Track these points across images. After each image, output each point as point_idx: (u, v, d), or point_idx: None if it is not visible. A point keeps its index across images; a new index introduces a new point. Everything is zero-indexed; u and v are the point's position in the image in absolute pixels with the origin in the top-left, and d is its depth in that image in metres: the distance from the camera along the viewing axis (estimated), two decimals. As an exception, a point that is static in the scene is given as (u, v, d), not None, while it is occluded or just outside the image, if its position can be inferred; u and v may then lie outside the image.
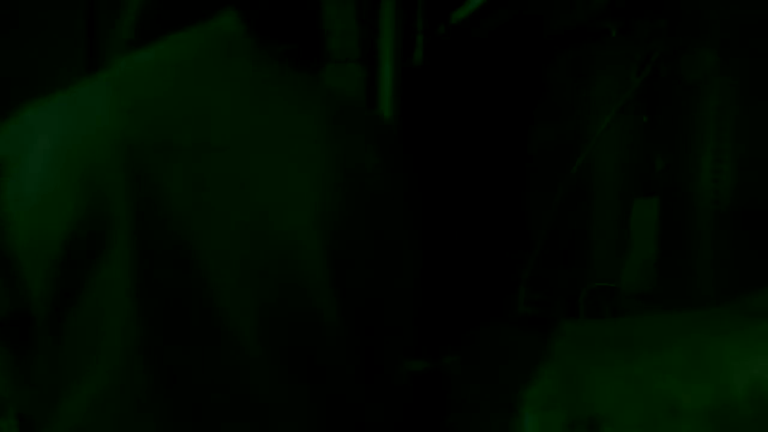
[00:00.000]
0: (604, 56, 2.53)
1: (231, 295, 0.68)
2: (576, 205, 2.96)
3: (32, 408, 0.71)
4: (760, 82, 1.93)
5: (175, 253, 0.67)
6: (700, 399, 0.90)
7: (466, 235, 3.25)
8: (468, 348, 1.25)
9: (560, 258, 3.14)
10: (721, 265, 2.44)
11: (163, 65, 0.74)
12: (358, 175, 0.74)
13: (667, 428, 0.92)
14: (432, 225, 3.24)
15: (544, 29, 2.71)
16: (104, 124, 0.70)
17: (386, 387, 0.82)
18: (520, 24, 2.64)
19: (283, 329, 0.70)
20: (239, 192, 0.70)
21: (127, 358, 0.64)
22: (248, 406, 0.67)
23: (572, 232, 3.06)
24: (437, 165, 2.90)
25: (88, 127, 0.69)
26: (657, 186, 2.61)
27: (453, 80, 2.82)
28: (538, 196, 3.15)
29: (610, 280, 3.02)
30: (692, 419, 0.89)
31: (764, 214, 2.32)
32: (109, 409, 0.64)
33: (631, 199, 2.78)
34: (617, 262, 2.95)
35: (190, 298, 0.68)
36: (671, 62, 2.18)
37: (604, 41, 2.50)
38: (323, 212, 0.71)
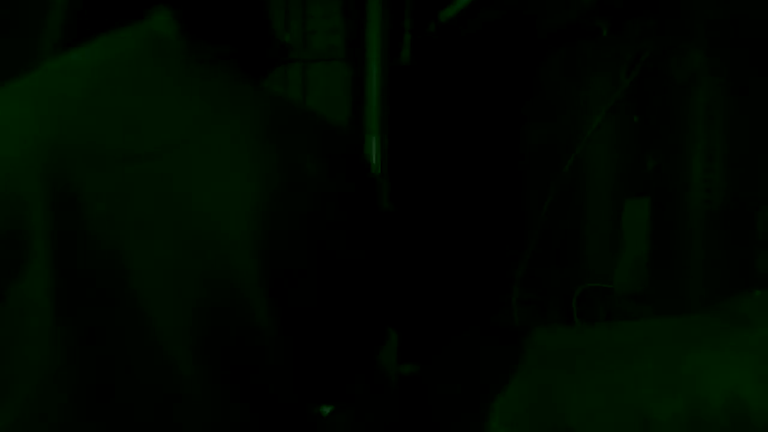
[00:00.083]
0: (595, 56, 2.51)
1: (163, 310, 0.65)
2: (568, 205, 2.94)
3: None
4: (748, 82, 1.91)
5: (101, 269, 0.64)
6: (673, 410, 0.88)
7: (457, 235, 3.23)
8: (442, 357, 1.24)
9: (553, 257, 3.12)
10: (713, 265, 2.43)
11: (90, 68, 0.71)
12: (294, 184, 0.69)
13: (640, 440, 0.90)
14: (423, 226, 3.23)
15: (534, 28, 2.68)
16: (22, 132, 0.66)
17: (332, 403, 0.79)
18: (509, 23, 2.62)
19: (218, 346, 0.67)
20: (169, 202, 0.66)
21: (44, 387, 0.62)
22: (181, 427, 0.65)
23: (565, 232, 3.05)
24: (427, 165, 2.88)
25: (4, 135, 0.66)
26: (648, 186, 2.60)
27: (442, 79, 2.80)
28: (531, 196, 3.14)
29: (603, 279, 3.00)
30: (665, 430, 0.87)
31: (756, 212, 2.31)
32: None
33: (623, 198, 2.76)
34: (610, 262, 2.93)
35: (117, 316, 0.65)
36: (661, 62, 2.16)
37: (594, 40, 2.48)
38: (258, 223, 0.67)
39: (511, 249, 3.20)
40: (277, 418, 0.69)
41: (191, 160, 0.67)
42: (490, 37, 2.70)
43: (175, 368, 0.65)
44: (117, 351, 0.65)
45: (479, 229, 3.26)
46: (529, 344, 1.10)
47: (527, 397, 0.98)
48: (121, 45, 0.73)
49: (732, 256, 2.42)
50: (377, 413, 2.09)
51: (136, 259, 0.65)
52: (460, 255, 3.23)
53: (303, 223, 0.70)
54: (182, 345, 0.66)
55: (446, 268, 3.20)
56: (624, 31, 2.35)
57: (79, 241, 0.64)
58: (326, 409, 2.08)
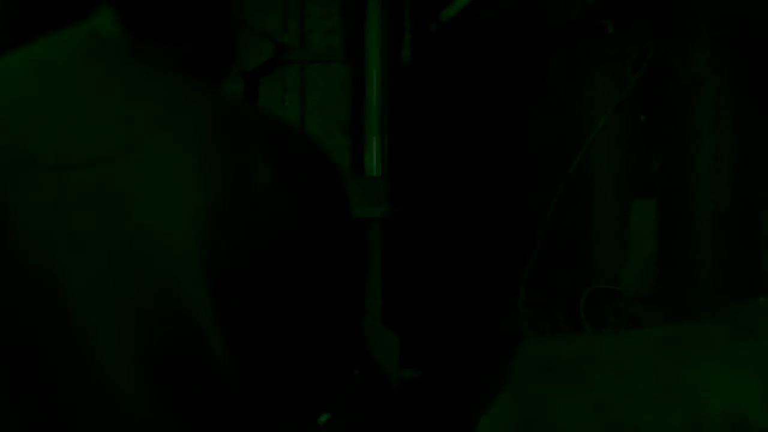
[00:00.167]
0: (600, 54, 2.47)
1: (102, 330, 0.61)
2: (575, 206, 2.91)
3: None
4: (754, 81, 1.87)
5: (30, 287, 0.61)
6: (670, 427, 0.84)
7: (462, 237, 3.20)
8: (435, 368, 1.21)
9: (560, 258, 3.09)
10: (720, 266, 2.39)
11: (25, 70, 0.67)
12: (244, 191, 0.64)
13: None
14: (427, 227, 3.20)
15: (538, 26, 2.65)
16: None
17: (291, 424, 0.75)
18: (512, 21, 2.58)
19: (163, 366, 0.63)
20: (107, 213, 0.62)
21: None
22: None
23: (571, 233, 3.01)
24: (430, 167, 2.85)
25: None
26: (655, 185, 2.56)
27: (444, 79, 2.77)
28: (537, 196, 3.11)
29: (611, 280, 2.96)
30: (661, 447, 0.84)
31: (763, 212, 2.27)
32: None
33: (630, 198, 2.73)
34: (617, 263, 2.89)
35: (50, 336, 0.62)
36: (666, 60, 2.13)
37: (599, 39, 2.44)
38: (204, 234, 0.62)
39: (518, 250, 3.16)
40: None
41: (131, 168, 0.63)
42: (492, 37, 2.66)
43: (116, 389, 0.62)
44: (53, 373, 0.62)
45: (484, 231, 3.23)
46: (523, 355, 1.06)
47: (518, 411, 0.94)
48: (60, 46, 0.69)
49: (739, 256, 2.38)
50: (376, 421, 2.06)
51: (70, 276, 0.61)
52: (465, 257, 3.20)
53: (254, 232, 0.65)
54: (123, 366, 0.62)
55: (451, 270, 3.16)
56: (629, 29, 2.31)
57: (7, 254, 0.60)
58: (323, 418, 2.06)
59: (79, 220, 0.62)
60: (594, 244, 3.00)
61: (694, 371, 0.91)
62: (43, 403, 0.62)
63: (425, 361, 2.68)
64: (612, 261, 2.92)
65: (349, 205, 0.75)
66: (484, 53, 2.77)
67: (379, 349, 2.29)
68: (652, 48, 2.14)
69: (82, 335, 0.62)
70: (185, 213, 0.62)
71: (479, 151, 3.02)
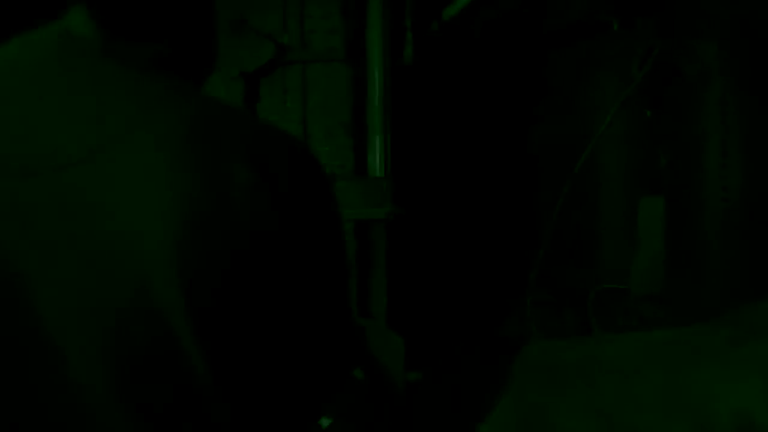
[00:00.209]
0: (605, 51, 2.44)
1: (73, 339, 0.60)
2: (581, 204, 2.89)
3: None
4: (761, 76, 1.84)
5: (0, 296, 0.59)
6: (677, 433, 0.82)
7: (468, 237, 3.17)
8: (437, 372, 1.19)
9: (567, 258, 3.06)
10: (731, 264, 2.36)
11: None
12: (220, 193, 0.62)
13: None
14: (433, 228, 3.18)
15: (542, 24, 2.62)
16: None
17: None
18: (516, 19, 2.56)
19: (137, 375, 0.61)
20: (77, 219, 0.60)
21: None
22: None
23: (578, 232, 2.99)
24: (434, 166, 2.83)
25: None
26: (662, 183, 2.53)
27: (447, 78, 2.74)
28: (543, 195, 3.08)
29: (619, 279, 2.93)
30: (668, 457, 0.81)
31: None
32: None
33: (637, 196, 2.70)
34: (625, 261, 2.86)
35: (22, 347, 0.60)
36: (672, 57, 2.10)
37: (604, 36, 2.41)
38: (178, 239, 0.60)
39: (524, 250, 3.14)
40: None
41: (102, 172, 0.61)
42: (495, 35, 2.64)
43: (86, 395, 0.60)
44: (21, 379, 0.60)
45: (490, 231, 3.21)
46: (526, 359, 1.04)
47: (519, 419, 0.92)
48: (31, 46, 0.66)
49: (749, 254, 2.35)
50: (381, 424, 2.03)
51: (39, 283, 0.59)
52: (470, 258, 3.17)
53: (231, 233, 0.62)
54: (95, 375, 0.60)
55: (456, 271, 3.14)
56: (635, 26, 2.28)
57: None
58: (325, 422, 2.04)
59: (48, 226, 0.60)
60: (601, 243, 2.97)
61: (702, 376, 0.88)
62: (10, 409, 0.60)
63: (430, 363, 2.65)
64: (620, 259, 2.89)
65: (335, 206, 0.72)
66: (487, 52, 2.75)
67: (384, 352, 2.27)
68: (658, 45, 2.11)
69: (51, 343, 0.60)
70: (158, 213, 0.60)
71: (483, 151, 2.99)
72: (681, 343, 1.02)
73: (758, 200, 2.29)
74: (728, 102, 1.99)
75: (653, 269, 2.74)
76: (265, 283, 0.63)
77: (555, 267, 3.05)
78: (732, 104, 2.00)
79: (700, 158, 2.35)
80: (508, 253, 3.16)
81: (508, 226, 3.18)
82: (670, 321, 2.49)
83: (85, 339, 0.59)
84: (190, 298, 0.59)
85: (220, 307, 0.61)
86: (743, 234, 2.34)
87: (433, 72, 2.63)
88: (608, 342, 1.25)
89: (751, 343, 0.98)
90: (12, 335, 0.59)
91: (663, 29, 2.18)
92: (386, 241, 2.45)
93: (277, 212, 0.63)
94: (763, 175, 2.22)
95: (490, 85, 2.83)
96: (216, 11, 0.76)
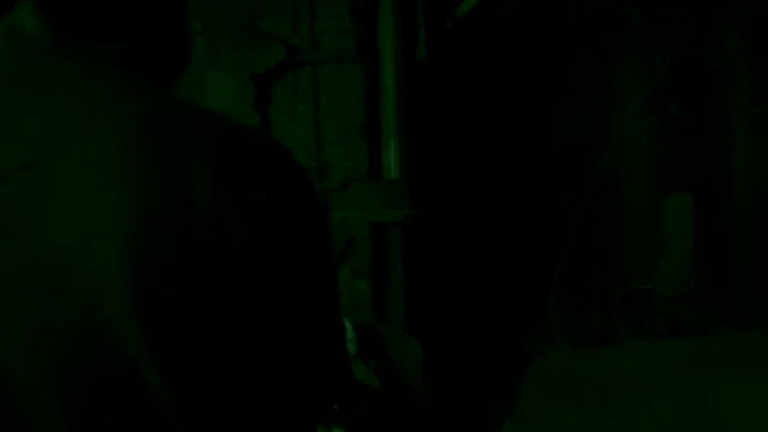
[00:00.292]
0: (627, 43, 2.37)
1: (18, 366, 0.55)
2: (605, 202, 2.81)
3: None
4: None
5: None
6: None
7: (488, 238, 3.11)
8: (449, 385, 1.13)
9: (591, 257, 2.98)
10: (763, 263, 2.28)
11: None
12: (180, 202, 0.57)
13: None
14: (451, 230, 3.12)
15: (559, 18, 2.55)
16: None
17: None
18: (532, 14, 2.49)
19: (91, 405, 0.56)
20: (20, 235, 0.56)
21: None
22: None
23: (602, 231, 2.91)
24: (451, 166, 2.76)
25: None
26: (690, 180, 2.46)
27: (462, 76, 2.68)
28: (565, 194, 3.01)
29: (644, 279, 2.85)
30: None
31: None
32: None
33: (663, 193, 2.62)
34: (651, 261, 2.79)
35: None
36: (696, 48, 2.02)
37: (625, 28, 2.33)
38: (131, 255, 0.55)
39: (547, 250, 3.07)
40: None
41: (46, 180, 0.56)
42: (511, 30, 2.57)
43: (35, 422, 0.56)
44: None
45: (510, 231, 3.14)
46: (542, 372, 0.98)
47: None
48: None
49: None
50: (400, 429, 1.99)
51: None
52: (490, 259, 3.11)
53: (191, 242, 0.57)
54: (42, 397, 0.55)
55: (476, 273, 3.07)
56: (656, 16, 2.20)
57: None
58: (336, 431, 2.00)
59: None
60: (626, 242, 2.90)
61: (729, 390, 0.81)
62: None
63: (449, 368, 2.59)
64: (646, 259, 2.81)
65: (321, 218, 0.66)
66: (503, 48, 2.68)
67: (402, 359, 2.22)
68: (681, 34, 2.03)
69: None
70: (108, 224, 0.55)
71: (501, 149, 2.92)
72: (707, 354, 0.95)
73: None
74: (756, 92, 1.91)
75: (681, 269, 2.66)
76: (234, 298, 0.57)
77: (578, 267, 2.98)
78: (761, 96, 1.92)
79: (728, 154, 2.27)
80: (528, 254, 3.09)
81: (528, 226, 3.11)
82: (699, 322, 2.40)
83: (29, 360, 0.55)
84: (144, 314, 0.54)
85: (178, 323, 0.56)
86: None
87: (448, 69, 2.57)
88: (627, 354, 1.18)
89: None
90: None
91: (685, 18, 2.10)
92: (403, 244, 2.40)
93: (248, 220, 0.58)
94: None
95: (507, 81, 2.76)
96: (186, 7, 0.71)
